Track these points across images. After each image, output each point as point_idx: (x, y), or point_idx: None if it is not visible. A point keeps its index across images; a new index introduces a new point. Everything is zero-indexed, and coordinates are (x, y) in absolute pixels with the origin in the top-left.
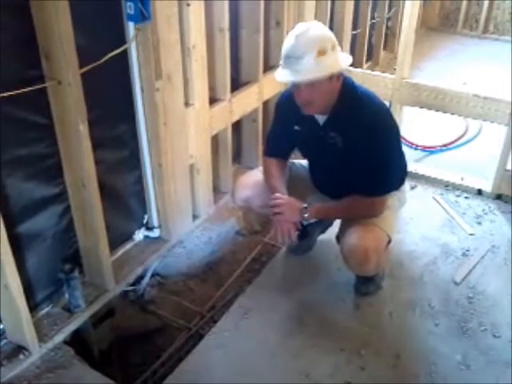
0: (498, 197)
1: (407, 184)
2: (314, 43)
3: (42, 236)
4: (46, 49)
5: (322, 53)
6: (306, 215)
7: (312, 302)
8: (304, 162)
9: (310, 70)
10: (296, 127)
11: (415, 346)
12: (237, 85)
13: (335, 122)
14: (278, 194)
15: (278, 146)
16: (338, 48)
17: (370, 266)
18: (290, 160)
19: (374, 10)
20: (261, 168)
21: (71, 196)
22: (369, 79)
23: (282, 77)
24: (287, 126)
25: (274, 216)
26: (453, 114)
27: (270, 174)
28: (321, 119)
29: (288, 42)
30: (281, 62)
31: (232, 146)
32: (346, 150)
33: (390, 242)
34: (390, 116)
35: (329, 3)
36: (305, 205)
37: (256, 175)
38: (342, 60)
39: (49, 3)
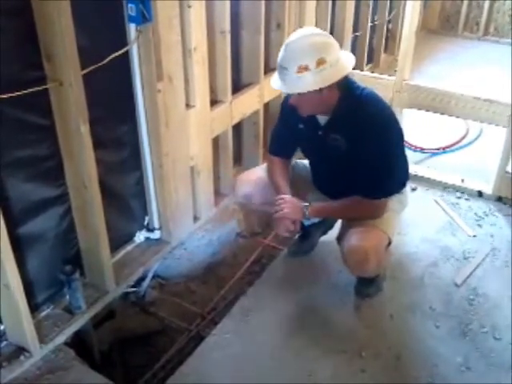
0: (499, 199)
1: (408, 186)
2: (297, 58)
3: (43, 237)
4: (48, 50)
5: (303, 69)
6: (307, 213)
7: (313, 304)
8: (306, 162)
9: (292, 83)
10: (300, 125)
11: (416, 347)
12: (238, 87)
13: (336, 123)
14: (281, 195)
15: (282, 145)
16: (335, 56)
17: (370, 267)
18: (293, 159)
19: (374, 12)
20: (263, 165)
21: (72, 197)
22: (369, 81)
23: (274, 83)
24: (291, 124)
25: (276, 214)
26: (453, 116)
27: (273, 173)
28: (322, 120)
29: (281, 50)
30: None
31: (233, 148)
32: (348, 151)
33: (390, 243)
34: (393, 117)
35: (329, 6)
36: (305, 203)
37: (258, 172)
38: (331, 74)
39: (50, 4)
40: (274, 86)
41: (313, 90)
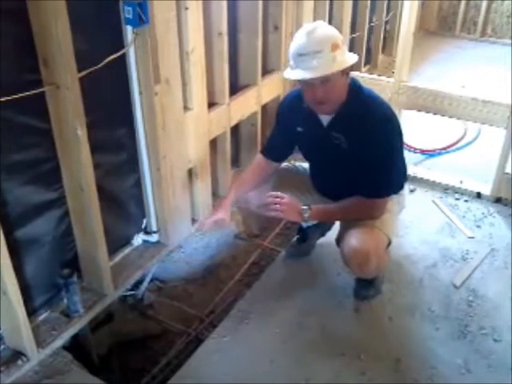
0: (498, 200)
1: (406, 188)
2: (327, 38)
3: (41, 241)
4: (45, 53)
5: (335, 47)
6: (306, 216)
7: (311, 307)
8: (304, 164)
9: (327, 64)
10: (299, 128)
11: (415, 350)
12: (235, 89)
13: (340, 122)
14: (279, 193)
15: (272, 149)
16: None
17: (371, 268)
18: (291, 162)
19: (372, 13)
20: None
21: (70, 200)
22: (367, 83)
23: (298, 75)
24: (289, 128)
25: (272, 213)
26: (451, 117)
27: (251, 167)
28: (325, 120)
29: (299, 41)
30: (291, 63)
31: (231, 150)
32: (350, 150)
33: (389, 244)
34: (396, 118)
35: (327, 7)
36: (305, 206)
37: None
38: (351, 56)
39: (47, 7)
40: (302, 76)
41: (349, 65)
